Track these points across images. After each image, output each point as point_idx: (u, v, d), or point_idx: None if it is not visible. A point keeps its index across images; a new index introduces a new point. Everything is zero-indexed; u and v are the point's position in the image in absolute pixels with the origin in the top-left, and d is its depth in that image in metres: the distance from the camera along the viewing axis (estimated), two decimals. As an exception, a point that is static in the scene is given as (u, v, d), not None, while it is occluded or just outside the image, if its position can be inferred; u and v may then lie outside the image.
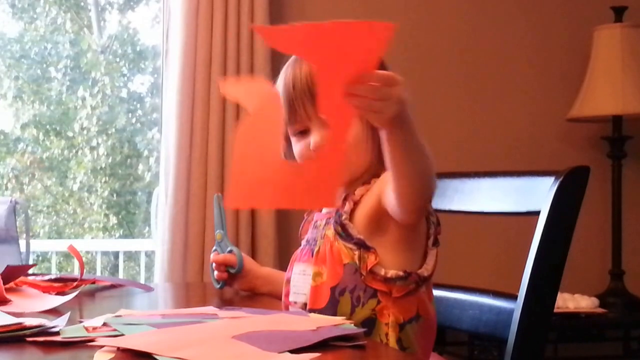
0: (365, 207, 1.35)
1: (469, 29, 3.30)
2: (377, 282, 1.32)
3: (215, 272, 1.67)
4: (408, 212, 1.28)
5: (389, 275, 1.32)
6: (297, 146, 1.40)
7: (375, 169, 1.39)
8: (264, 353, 0.93)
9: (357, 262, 1.32)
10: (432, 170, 1.23)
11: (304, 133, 1.39)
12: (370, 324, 1.32)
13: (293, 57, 1.41)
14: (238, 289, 1.66)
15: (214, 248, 1.68)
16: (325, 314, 1.28)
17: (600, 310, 2.95)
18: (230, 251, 1.65)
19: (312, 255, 1.39)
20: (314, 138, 1.37)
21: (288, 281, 1.45)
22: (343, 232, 1.34)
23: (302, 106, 1.37)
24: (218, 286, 1.65)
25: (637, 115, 3.12)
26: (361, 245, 1.32)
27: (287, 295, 1.45)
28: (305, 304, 1.37)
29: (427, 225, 1.37)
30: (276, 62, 3.01)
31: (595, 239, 3.22)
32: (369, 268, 1.31)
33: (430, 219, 1.38)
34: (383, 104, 1.09)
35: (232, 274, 1.64)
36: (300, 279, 1.40)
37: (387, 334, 1.33)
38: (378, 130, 1.29)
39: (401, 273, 1.32)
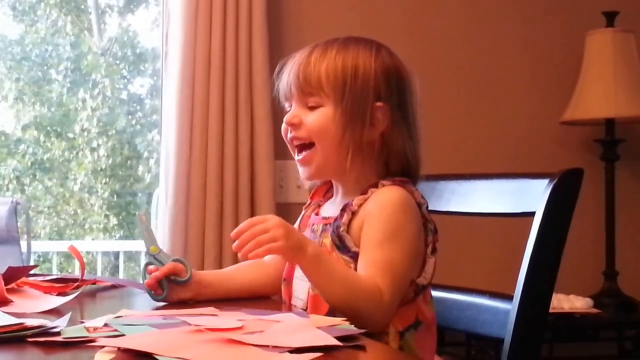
0: (359, 226, 1.36)
1: (463, 34, 3.31)
2: None
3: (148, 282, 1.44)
4: None
5: None
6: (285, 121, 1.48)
7: (369, 178, 1.41)
8: (265, 353, 0.93)
9: None
10: (354, 307, 1.27)
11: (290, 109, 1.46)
12: (368, 333, 1.33)
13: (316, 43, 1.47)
14: (183, 299, 1.43)
15: (147, 262, 1.45)
16: None
17: (594, 310, 2.95)
18: (176, 260, 1.45)
19: None
20: (288, 114, 1.45)
21: (286, 281, 1.47)
22: (340, 244, 1.36)
23: (289, 88, 1.44)
24: (160, 298, 1.41)
25: (630, 118, 3.13)
26: (357, 257, 1.34)
27: (286, 293, 1.46)
28: (304, 310, 1.38)
29: (425, 234, 1.39)
30: (274, 65, 3.02)
31: (589, 240, 3.22)
32: None
33: (427, 226, 1.40)
34: (269, 235, 1.25)
35: (179, 282, 1.42)
36: (299, 283, 1.41)
37: (386, 343, 1.33)
38: (354, 131, 1.38)
39: None
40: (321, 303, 1.35)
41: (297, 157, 1.45)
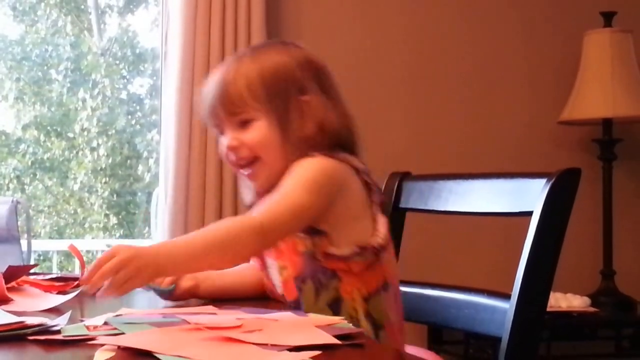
0: None
1: (462, 34, 3.32)
2: (335, 262, 1.36)
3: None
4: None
5: (345, 253, 1.36)
6: (220, 145, 1.46)
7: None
8: (264, 351, 0.94)
9: (312, 248, 1.36)
10: (234, 251, 1.26)
11: (223, 133, 1.45)
12: (336, 303, 1.36)
13: (226, 60, 1.47)
14: (188, 289, 1.42)
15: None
16: (298, 305, 1.34)
17: (592, 309, 2.97)
18: None
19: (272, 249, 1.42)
20: (225, 140, 1.43)
21: (264, 271, 1.47)
22: None
23: (214, 111, 1.44)
24: (168, 290, 1.40)
25: (627, 118, 3.15)
26: (311, 231, 1.36)
27: (267, 282, 1.46)
28: (282, 295, 1.41)
29: (368, 193, 1.41)
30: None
31: (587, 240, 3.24)
32: (324, 251, 1.36)
33: (369, 185, 1.42)
34: (125, 272, 1.15)
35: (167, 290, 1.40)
36: (273, 272, 1.43)
37: (355, 309, 1.36)
38: (290, 131, 1.38)
39: (356, 249, 1.36)
40: (291, 287, 1.38)
41: (243, 172, 1.45)
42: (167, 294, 1.40)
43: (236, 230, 1.27)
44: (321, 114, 1.42)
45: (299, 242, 1.37)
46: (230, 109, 1.41)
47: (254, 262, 1.49)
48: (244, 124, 1.41)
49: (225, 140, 1.44)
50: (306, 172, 1.35)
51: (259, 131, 1.40)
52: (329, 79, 1.47)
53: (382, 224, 1.41)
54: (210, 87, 1.45)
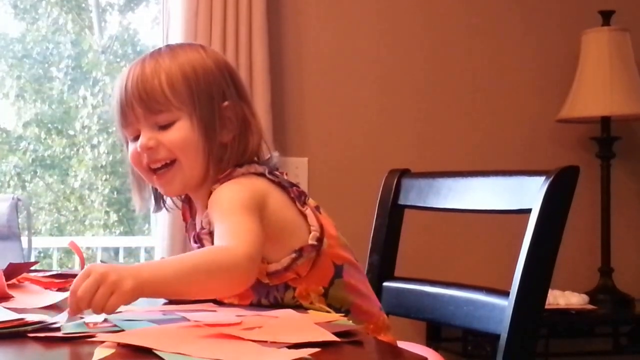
0: None
1: (462, 33, 3.32)
2: (281, 276, 1.32)
3: None
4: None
5: (286, 264, 1.31)
6: (130, 148, 1.39)
7: (216, 177, 1.36)
8: (263, 348, 0.94)
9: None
10: (219, 278, 1.14)
11: (137, 138, 1.37)
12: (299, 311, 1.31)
13: (138, 59, 1.41)
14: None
15: None
16: None
17: (590, 306, 2.98)
18: None
19: None
20: (141, 139, 1.35)
21: None
22: None
23: (131, 109, 1.35)
24: None
25: (625, 116, 3.16)
26: None
27: None
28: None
29: (285, 193, 1.35)
30: (274, 62, 3.04)
31: (585, 237, 3.24)
32: (266, 273, 1.31)
33: (283, 185, 1.36)
34: (104, 289, 1.03)
35: None
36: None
37: (310, 302, 1.33)
38: (213, 136, 1.33)
39: (294, 254, 1.31)
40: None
41: (155, 176, 1.37)
42: None
43: (230, 255, 1.15)
44: (240, 122, 1.38)
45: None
46: (150, 106, 1.33)
47: None
48: (165, 125, 1.34)
49: (139, 141, 1.35)
50: (229, 199, 1.28)
51: (181, 131, 1.33)
52: (242, 85, 1.43)
53: (312, 217, 1.34)
54: (124, 84, 1.35)
